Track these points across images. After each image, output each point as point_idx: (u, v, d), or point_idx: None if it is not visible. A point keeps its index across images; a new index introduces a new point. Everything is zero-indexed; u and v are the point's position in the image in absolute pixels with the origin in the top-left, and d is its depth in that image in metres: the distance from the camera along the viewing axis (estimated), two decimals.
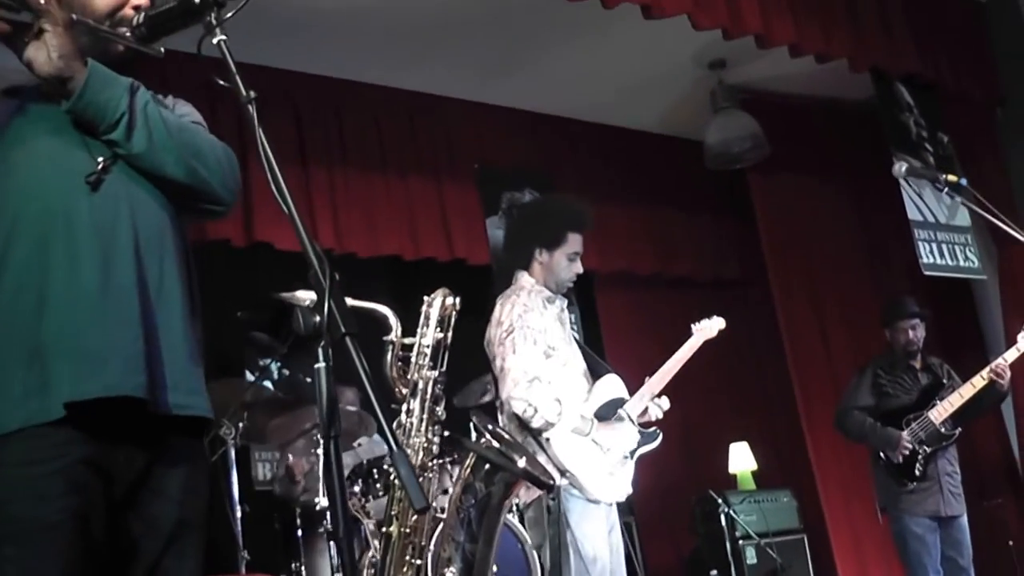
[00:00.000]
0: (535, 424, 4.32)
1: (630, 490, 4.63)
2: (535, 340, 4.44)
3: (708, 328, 5.13)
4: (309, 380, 7.22)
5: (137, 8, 2.38)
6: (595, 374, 4.73)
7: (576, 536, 4.34)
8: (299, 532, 5.79)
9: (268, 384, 7.14)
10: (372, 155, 7.09)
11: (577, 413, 4.43)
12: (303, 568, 5.72)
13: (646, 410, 4.75)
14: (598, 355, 7.20)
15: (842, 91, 7.95)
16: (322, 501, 5.64)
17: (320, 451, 5.79)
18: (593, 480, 4.40)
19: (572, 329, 4.89)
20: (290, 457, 6.36)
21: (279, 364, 6.92)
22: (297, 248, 5.87)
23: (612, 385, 4.68)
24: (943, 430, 6.22)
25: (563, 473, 4.31)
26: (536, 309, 4.54)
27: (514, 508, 5.02)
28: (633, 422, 4.64)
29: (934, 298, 7.83)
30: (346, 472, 6.07)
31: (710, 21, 6.17)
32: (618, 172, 8.36)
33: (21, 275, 2.14)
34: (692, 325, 5.15)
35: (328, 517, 5.57)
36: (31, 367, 2.09)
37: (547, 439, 4.32)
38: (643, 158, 8.55)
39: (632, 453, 4.61)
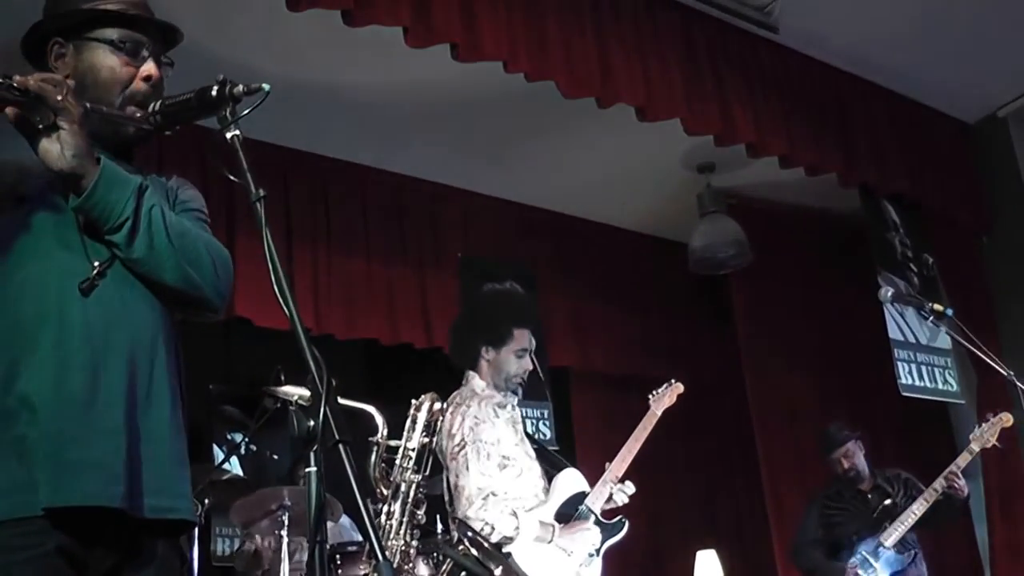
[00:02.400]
0: (493, 539, 4.23)
1: None
2: (488, 454, 4.36)
3: (665, 396, 5.10)
4: (276, 457, 7.17)
5: (148, 79, 2.42)
6: (555, 469, 4.69)
7: None
8: None
9: (234, 460, 7.09)
10: (356, 236, 7.07)
11: (537, 521, 4.35)
12: None
13: (611, 497, 4.69)
14: (570, 452, 7.18)
15: (829, 203, 7.98)
16: None
17: (284, 532, 5.73)
18: None
19: (525, 426, 4.82)
20: (257, 539, 6.28)
21: (247, 440, 6.86)
22: (275, 326, 5.82)
23: (571, 480, 4.63)
24: (896, 553, 6.15)
25: None
26: (488, 420, 4.45)
27: None
28: (597, 517, 4.57)
29: (910, 420, 7.85)
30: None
31: (703, 128, 6.22)
32: (601, 269, 8.37)
33: (13, 375, 2.17)
34: (649, 396, 5.11)
35: None
36: (18, 463, 2.12)
37: (508, 553, 4.24)
38: (627, 257, 8.58)
39: (598, 551, 4.54)
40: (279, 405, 6.01)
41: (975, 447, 6.04)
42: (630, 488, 4.77)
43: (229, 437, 6.84)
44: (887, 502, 6.35)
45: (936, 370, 6.98)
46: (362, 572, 3.94)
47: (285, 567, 5.70)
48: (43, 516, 2.10)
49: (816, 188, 7.36)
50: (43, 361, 2.18)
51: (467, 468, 4.31)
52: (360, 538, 6.03)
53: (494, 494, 4.26)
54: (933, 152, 7.51)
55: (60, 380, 2.18)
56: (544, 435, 7.44)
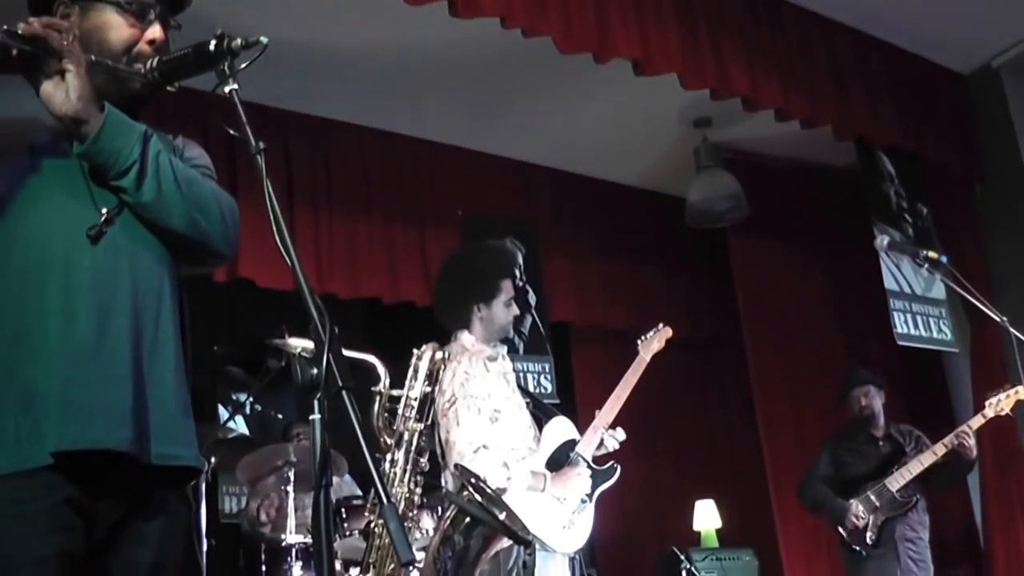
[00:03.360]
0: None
1: (588, 535, 4.62)
2: (479, 408, 4.41)
3: (653, 341, 5.14)
4: (280, 416, 7.25)
5: (152, 42, 2.39)
6: (548, 419, 4.74)
7: None
8: (263, 567, 5.85)
9: (240, 419, 7.16)
10: (357, 197, 7.13)
11: (528, 470, 4.41)
12: None
13: (602, 443, 4.76)
14: (571, 405, 7.25)
15: (824, 156, 8.04)
16: (288, 538, 5.69)
17: (290, 487, 5.82)
18: (551, 534, 4.41)
19: (518, 379, 4.87)
20: (260, 496, 6.37)
21: (251, 400, 6.93)
22: (277, 286, 5.89)
23: (560, 428, 4.69)
24: (899, 497, 6.25)
25: None
26: (478, 375, 4.50)
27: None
28: (588, 463, 4.63)
29: (906, 367, 7.92)
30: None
31: (699, 82, 6.25)
32: (600, 225, 8.42)
33: (19, 323, 2.17)
34: (638, 341, 5.13)
35: (293, 554, 5.62)
36: (26, 413, 2.11)
37: None
38: (625, 212, 8.62)
39: (590, 496, 4.61)
40: (283, 364, 6.09)
41: (989, 412, 6.07)
42: (620, 434, 4.85)
43: (234, 397, 6.92)
44: (900, 449, 6.44)
45: (931, 319, 7.02)
46: (366, 525, 4.00)
47: (291, 522, 5.79)
48: (51, 467, 2.09)
49: (811, 141, 7.40)
50: (50, 309, 2.17)
51: (457, 423, 4.36)
52: (359, 493, 6.12)
53: (485, 447, 4.30)
54: (928, 103, 7.53)
55: (67, 328, 2.16)
56: (545, 389, 7.52)
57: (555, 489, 4.45)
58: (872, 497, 6.28)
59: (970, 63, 7.83)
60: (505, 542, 3.88)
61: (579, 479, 4.55)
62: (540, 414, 4.76)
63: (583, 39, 5.68)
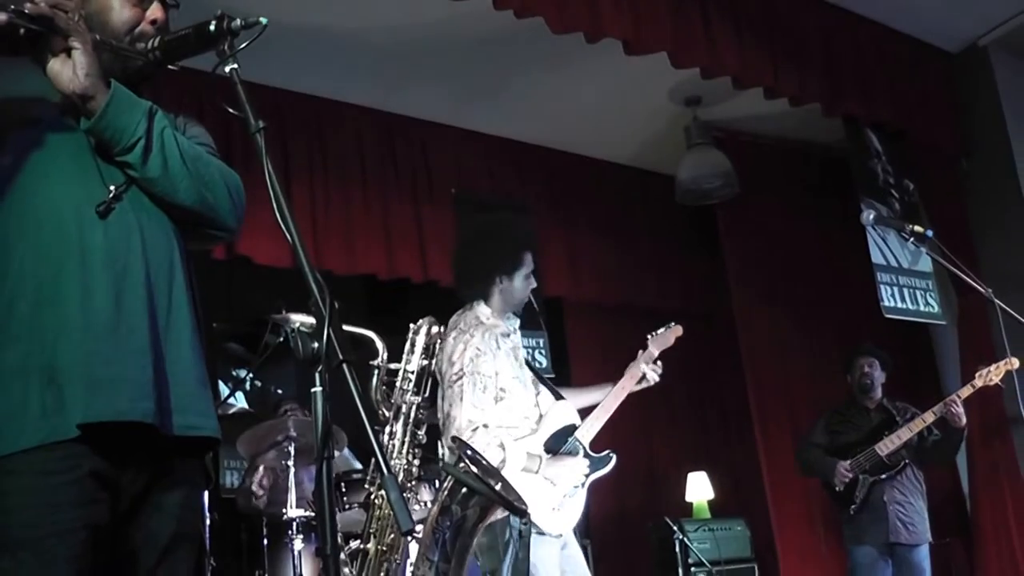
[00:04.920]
0: None
1: (579, 518, 4.62)
2: (484, 387, 4.39)
3: (664, 337, 5.07)
4: (280, 392, 7.34)
5: (154, 23, 2.45)
6: (552, 398, 4.75)
7: (531, 561, 4.36)
8: (264, 542, 5.90)
9: (240, 395, 7.22)
10: (353, 175, 7.20)
11: (525, 451, 4.42)
12: None
13: (644, 377, 4.83)
14: (565, 379, 7.33)
15: (812, 134, 8.14)
16: (289, 512, 5.75)
17: (290, 462, 5.89)
18: (541, 515, 4.42)
19: (527, 355, 4.89)
20: (257, 472, 6.43)
21: (251, 375, 7.00)
22: (274, 263, 5.95)
23: (562, 413, 4.68)
24: (887, 460, 6.39)
25: None
26: (489, 352, 4.46)
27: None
28: (586, 450, 4.64)
29: (893, 341, 7.99)
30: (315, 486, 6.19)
31: (689, 60, 6.33)
32: (591, 202, 8.50)
33: (38, 301, 2.21)
34: (648, 337, 5.08)
35: (294, 528, 5.69)
36: (48, 388, 2.16)
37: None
38: (616, 189, 8.71)
39: (583, 484, 4.62)
40: (281, 339, 6.17)
41: (978, 383, 6.19)
42: (659, 368, 4.89)
43: (234, 373, 6.97)
44: (891, 419, 6.58)
45: (918, 292, 7.13)
46: (366, 497, 4.09)
47: (292, 496, 5.86)
48: (76, 440, 2.13)
49: (801, 118, 7.51)
50: (68, 286, 2.21)
51: (461, 399, 4.34)
52: (358, 466, 6.20)
53: (485, 426, 4.31)
54: (915, 81, 7.61)
55: (86, 304, 2.20)
56: (540, 364, 7.59)
57: (549, 472, 4.45)
58: (861, 459, 6.43)
59: (957, 42, 7.90)
60: (501, 512, 3.95)
61: (575, 465, 4.55)
62: (548, 390, 4.77)
63: (575, 19, 5.73)
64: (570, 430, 4.66)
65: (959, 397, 6.22)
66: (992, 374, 6.17)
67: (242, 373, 6.96)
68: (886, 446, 6.37)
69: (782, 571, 7.79)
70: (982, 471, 7.49)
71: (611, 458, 4.74)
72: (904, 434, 6.35)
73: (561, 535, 4.53)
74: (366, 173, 7.29)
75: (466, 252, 4.89)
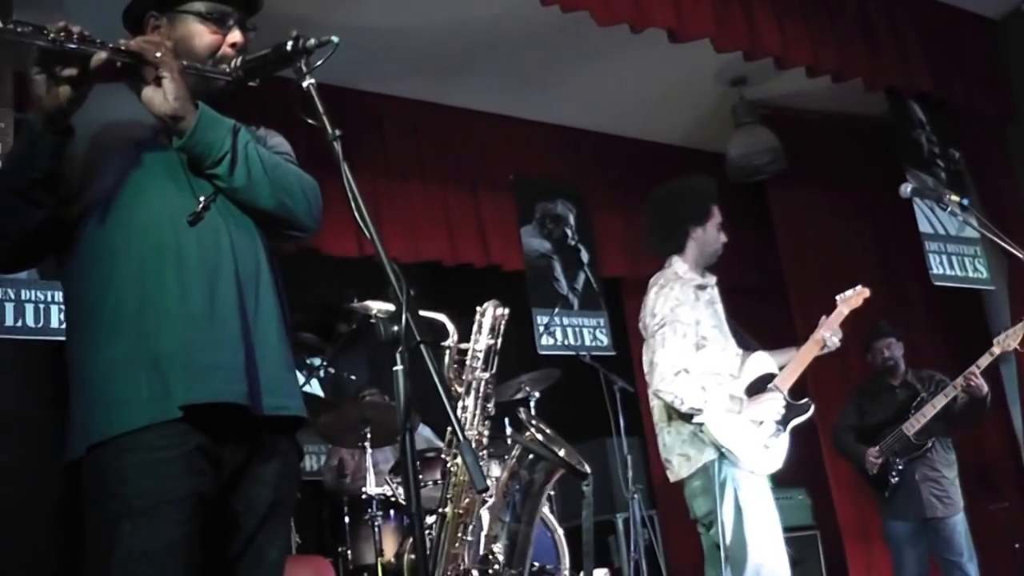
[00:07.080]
0: (683, 411, 4.59)
1: (783, 461, 4.84)
2: (685, 334, 4.65)
3: (852, 298, 5.32)
4: (353, 378, 7.60)
5: (234, 45, 2.69)
6: (748, 350, 4.98)
7: (744, 499, 4.58)
8: (346, 519, 6.14)
9: (315, 383, 7.48)
10: (412, 167, 7.46)
11: (727, 394, 4.66)
12: (349, 552, 6.09)
13: (824, 343, 5.05)
14: (625, 358, 7.52)
15: (857, 107, 8.22)
16: (369, 490, 6.03)
17: (367, 443, 6.15)
18: (749, 454, 4.63)
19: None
20: (342, 452, 6.72)
21: (325, 363, 7.23)
22: (341, 253, 6.22)
23: (761, 362, 4.91)
24: (914, 440, 6.52)
25: (719, 449, 4.57)
26: (688, 302, 4.73)
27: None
28: (784, 396, 4.85)
29: (945, 308, 8.11)
30: (392, 464, 6.50)
31: (731, 44, 6.51)
32: (644, 183, 8.57)
33: (142, 298, 2.46)
34: (836, 296, 5.33)
35: (374, 505, 5.94)
36: (154, 375, 2.41)
37: (700, 423, 4.59)
38: (668, 170, 8.76)
39: (784, 424, 4.83)
40: (353, 327, 6.44)
41: (996, 350, 6.26)
42: (840, 333, 5.12)
43: (308, 362, 7.18)
44: (915, 395, 6.70)
45: (966, 259, 7.20)
46: (443, 467, 4.36)
47: (371, 476, 6.15)
48: (181, 420, 2.37)
49: (843, 95, 7.62)
50: (168, 286, 2.45)
51: (663, 345, 4.61)
52: (438, 443, 6.44)
53: (687, 371, 4.56)
54: (957, 49, 7.66)
55: (184, 300, 2.45)
56: (601, 343, 7.78)
57: (751, 412, 4.69)
58: (889, 441, 6.58)
59: (1000, 7, 7.95)
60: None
61: (772, 401, 4.76)
62: (742, 346, 4.96)
63: (619, 11, 5.94)
64: (768, 378, 4.88)
65: (978, 368, 6.26)
66: (1010, 339, 6.23)
67: (315, 361, 7.18)
68: (912, 425, 6.50)
69: (844, 538, 7.95)
70: None
71: (810, 405, 4.97)
72: (928, 411, 6.45)
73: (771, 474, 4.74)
74: (425, 165, 7.54)
75: (657, 207, 5.21)
